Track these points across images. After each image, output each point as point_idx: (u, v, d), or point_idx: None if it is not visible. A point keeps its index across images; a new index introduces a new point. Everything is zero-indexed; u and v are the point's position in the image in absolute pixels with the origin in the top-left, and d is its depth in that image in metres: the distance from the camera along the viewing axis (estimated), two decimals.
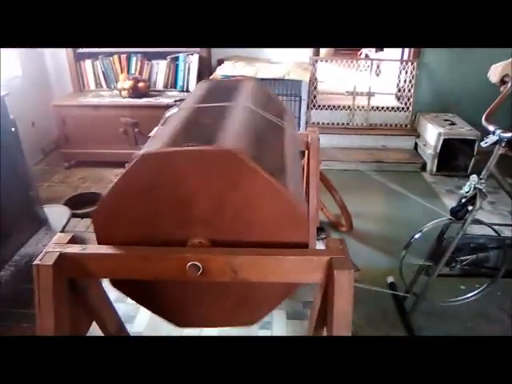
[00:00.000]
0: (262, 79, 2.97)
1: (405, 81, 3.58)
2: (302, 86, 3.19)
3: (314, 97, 3.62)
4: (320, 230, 2.48)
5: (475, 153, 3.16)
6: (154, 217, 1.05)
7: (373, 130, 3.58)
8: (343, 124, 3.63)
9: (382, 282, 2.07)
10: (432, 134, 3.27)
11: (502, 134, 1.49)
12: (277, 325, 1.84)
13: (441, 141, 3.17)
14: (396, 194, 2.92)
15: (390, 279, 2.05)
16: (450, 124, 3.32)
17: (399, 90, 3.67)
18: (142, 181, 1.01)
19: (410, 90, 3.54)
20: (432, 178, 3.23)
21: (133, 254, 1.04)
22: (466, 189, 1.58)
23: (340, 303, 1.05)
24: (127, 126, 2.90)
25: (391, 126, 3.62)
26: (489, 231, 1.74)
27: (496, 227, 1.76)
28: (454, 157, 3.28)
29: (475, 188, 1.57)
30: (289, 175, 1.15)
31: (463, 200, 1.62)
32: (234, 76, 3.04)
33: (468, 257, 1.73)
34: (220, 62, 3.51)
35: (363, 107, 3.59)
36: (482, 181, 1.57)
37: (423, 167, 3.35)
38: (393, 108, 3.62)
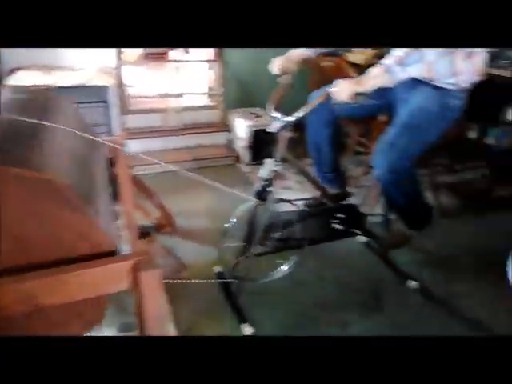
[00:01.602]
0: (62, 88, 2.77)
1: (214, 80, 3.75)
2: (108, 91, 3.07)
3: (126, 102, 3.53)
4: (145, 234, 2.44)
5: None
6: None
7: (188, 130, 3.66)
8: (158, 127, 3.62)
9: (211, 274, 2.14)
10: (242, 127, 3.50)
11: (284, 119, 1.67)
12: None
13: (250, 133, 3.42)
14: (215, 188, 3.06)
15: (217, 269, 2.14)
16: (256, 117, 3.60)
17: (209, 89, 3.83)
18: None
19: (218, 89, 3.72)
20: (247, 168, 3.47)
21: None
22: (263, 172, 1.74)
23: (151, 304, 1.04)
24: None
25: (205, 124, 3.75)
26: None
27: (298, 202, 1.98)
28: (265, 146, 3.58)
29: (272, 171, 1.74)
30: (93, 189, 1.09)
31: (264, 183, 1.77)
32: (30, 86, 2.76)
33: (278, 233, 1.91)
34: (13, 71, 3.13)
35: (174, 109, 3.64)
36: (276, 163, 1.74)
37: (238, 159, 3.58)
38: (205, 107, 3.76)
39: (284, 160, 1.77)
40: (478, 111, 3.13)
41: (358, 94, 1.50)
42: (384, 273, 2.21)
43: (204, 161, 3.49)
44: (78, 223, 1.00)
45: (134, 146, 3.49)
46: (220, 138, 3.76)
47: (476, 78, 1.69)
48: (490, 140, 3.72)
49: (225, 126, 3.79)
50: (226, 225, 1.84)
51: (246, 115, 3.62)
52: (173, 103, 3.63)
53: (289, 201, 1.92)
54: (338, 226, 2.06)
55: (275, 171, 1.72)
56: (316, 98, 1.66)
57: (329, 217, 2.04)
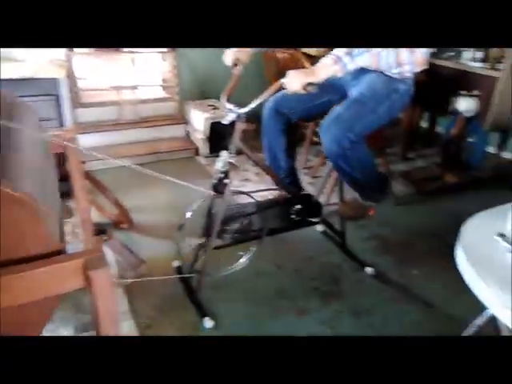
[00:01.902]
0: (7, 80, 2.63)
1: (169, 72, 3.67)
2: (59, 83, 2.95)
3: (77, 94, 3.40)
4: (101, 232, 2.38)
5: None
6: None
7: (144, 123, 3.59)
8: (113, 120, 3.52)
9: (170, 269, 2.12)
10: (199, 119, 3.46)
11: (238, 111, 1.66)
12: None
13: (207, 125, 3.39)
14: (173, 182, 3.03)
15: (176, 263, 2.11)
16: (213, 109, 3.57)
17: (164, 81, 3.75)
18: None
19: (173, 81, 3.65)
20: (206, 161, 3.44)
21: None
22: (219, 164, 1.73)
23: (103, 303, 1.01)
24: None
25: (161, 116, 3.68)
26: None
27: (256, 194, 1.98)
28: (223, 138, 3.55)
29: (228, 163, 1.73)
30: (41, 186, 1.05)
31: (220, 175, 1.76)
32: None
33: (236, 225, 1.91)
34: None
35: (130, 101, 3.54)
36: (232, 155, 1.73)
37: (197, 152, 3.54)
38: (160, 99, 3.69)
39: (239, 152, 1.76)
40: (428, 101, 3.24)
41: (309, 85, 1.50)
42: (342, 260, 2.26)
43: (162, 154, 3.43)
44: (23, 222, 0.96)
45: (89, 141, 3.39)
46: (178, 130, 3.70)
47: (419, 69, 1.75)
48: (441, 129, 3.87)
49: (182, 119, 3.74)
50: (183, 219, 1.82)
51: (202, 107, 3.58)
52: (127, 95, 3.53)
53: (246, 193, 1.92)
54: (295, 216, 2.08)
55: (231, 163, 1.71)
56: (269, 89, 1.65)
57: (287, 207, 2.06)
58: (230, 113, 1.68)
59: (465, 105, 2.87)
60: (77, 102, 3.39)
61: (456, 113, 2.97)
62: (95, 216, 2.56)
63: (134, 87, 3.51)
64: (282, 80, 1.56)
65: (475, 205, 2.99)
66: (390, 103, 1.76)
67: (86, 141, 3.38)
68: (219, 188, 1.75)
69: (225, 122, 1.68)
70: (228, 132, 3.61)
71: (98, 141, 3.40)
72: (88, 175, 2.18)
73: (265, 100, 1.66)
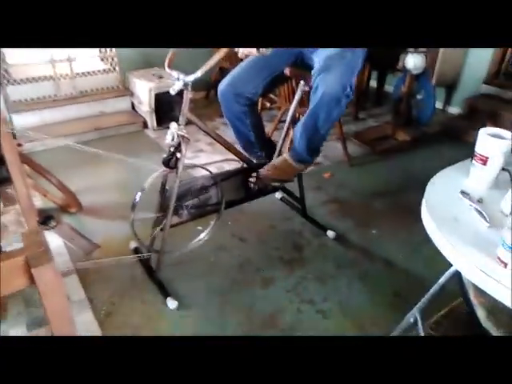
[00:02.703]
0: None
1: None
2: None
3: (6, 70, 3.10)
4: (48, 218, 2.22)
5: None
6: None
7: (85, 98, 3.35)
8: (50, 96, 3.26)
9: (127, 250, 2.02)
10: (144, 90, 3.27)
11: (185, 79, 1.55)
12: None
13: (153, 96, 3.21)
14: (121, 159, 2.87)
15: (133, 244, 2.02)
16: (158, 78, 3.38)
17: (101, 51, 3.50)
18: None
19: (111, 50, 3.41)
20: (155, 134, 3.29)
21: None
22: (169, 138, 1.62)
23: (51, 301, 0.92)
24: None
25: (103, 89, 3.45)
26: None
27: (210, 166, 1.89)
28: (171, 108, 3.39)
29: (178, 136, 1.62)
30: None
31: (172, 149, 1.66)
32: None
33: (192, 201, 1.82)
34: None
35: (67, 75, 3.28)
36: (182, 127, 1.62)
37: (145, 125, 3.37)
38: (99, 71, 3.44)
39: (188, 122, 1.65)
40: (377, 60, 3.23)
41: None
42: (303, 226, 2.25)
43: (107, 129, 3.24)
44: None
45: (25, 120, 3.14)
46: (122, 103, 3.49)
47: None
48: (389, 88, 3.89)
49: (126, 90, 3.52)
50: (135, 197, 1.71)
51: (146, 76, 3.38)
52: (65, 69, 3.26)
53: (200, 166, 1.83)
54: (254, 185, 2.02)
55: (182, 136, 1.61)
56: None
57: (244, 176, 1.99)
58: (176, 81, 1.56)
59: (413, 62, 2.87)
60: (5, 79, 3.10)
61: (405, 70, 2.98)
62: (40, 202, 2.39)
63: (70, 59, 3.24)
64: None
65: (428, 161, 3.11)
66: (355, 56, 1.72)
67: (22, 120, 3.13)
68: (171, 163, 1.65)
69: (172, 91, 1.55)
70: (175, 102, 3.46)
71: (35, 120, 3.16)
72: (25, 158, 2.00)
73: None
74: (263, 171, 1.95)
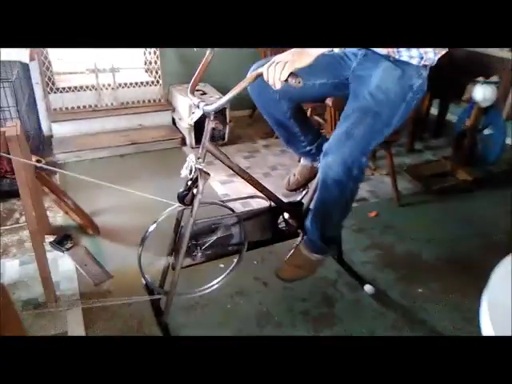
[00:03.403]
0: None
1: (149, 52, 3.33)
2: (25, 67, 2.65)
3: (49, 79, 3.08)
4: (65, 238, 2.10)
5: (228, 120, 3.19)
6: None
7: (125, 109, 3.27)
8: (90, 106, 3.20)
9: (140, 284, 1.83)
10: (184, 106, 3.13)
11: (205, 108, 1.35)
12: None
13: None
14: (157, 176, 2.73)
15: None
16: (201, 94, 3.24)
17: (146, 63, 3.41)
18: None
19: (156, 62, 3.31)
20: (193, 152, 3.13)
21: None
22: (185, 171, 1.42)
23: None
24: None
25: (144, 102, 3.36)
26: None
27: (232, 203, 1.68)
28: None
29: (196, 169, 1.42)
30: None
31: (189, 183, 1.46)
32: None
33: (210, 241, 1.61)
34: None
35: (109, 85, 3.22)
36: (201, 160, 1.42)
37: (183, 142, 3.22)
38: (142, 83, 3.35)
39: (207, 154, 1.44)
40: (440, 87, 2.89)
41: (293, 76, 1.17)
42: (337, 275, 1.97)
43: (145, 144, 3.12)
44: None
45: (63, 129, 3.09)
46: (163, 117, 3.38)
47: (442, 53, 1.41)
48: (452, 117, 3.51)
49: (168, 104, 3.41)
50: (146, 232, 1.52)
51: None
52: (106, 79, 3.20)
53: (220, 203, 1.61)
54: (283, 226, 1.78)
55: (200, 170, 1.40)
56: (246, 78, 1.32)
57: (272, 217, 1.75)
58: (196, 109, 1.36)
59: (482, 93, 2.52)
60: (49, 87, 3.07)
61: (471, 102, 2.63)
62: (60, 218, 2.28)
63: (114, 70, 3.17)
64: (260, 70, 1.23)
65: (492, 206, 2.71)
66: (405, 106, 1.42)
67: (61, 129, 3.08)
68: (187, 199, 1.45)
69: (190, 120, 1.36)
70: (217, 120, 3.29)
71: (73, 129, 3.10)
72: (43, 179, 1.88)
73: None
74: (280, 271, 1.71)
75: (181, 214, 1.55)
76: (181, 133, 3.25)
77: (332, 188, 1.42)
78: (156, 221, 1.52)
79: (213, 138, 3.19)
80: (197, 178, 1.42)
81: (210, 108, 1.34)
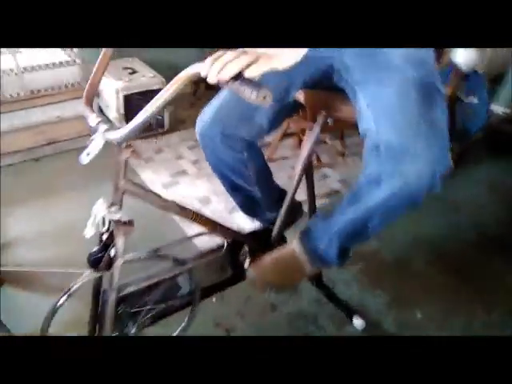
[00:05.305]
0: None
1: None
2: None
3: None
4: None
5: None
6: None
7: (36, 99, 2.63)
8: None
9: None
10: (110, 91, 2.56)
11: (108, 136, 0.87)
12: None
13: (121, 99, 2.50)
14: (86, 182, 2.18)
15: None
16: (130, 73, 2.66)
17: None
18: None
19: None
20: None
21: None
22: (91, 229, 0.94)
23: None
24: None
25: (60, 88, 2.72)
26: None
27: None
28: None
29: (110, 222, 0.94)
30: None
31: (103, 238, 0.99)
32: None
33: (144, 302, 1.16)
34: None
35: (11, 70, 2.56)
36: (116, 208, 0.94)
37: None
38: (55, 63, 2.69)
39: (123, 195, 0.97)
40: None
41: (255, 88, 0.68)
42: (317, 307, 1.58)
43: (66, 142, 2.55)
44: None
45: None
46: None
47: None
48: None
49: None
50: (55, 305, 1.05)
51: (115, 71, 2.65)
52: (5, 63, 2.54)
53: (155, 253, 1.14)
54: (247, 261, 1.35)
55: (116, 222, 0.93)
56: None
57: (231, 251, 1.32)
58: (95, 136, 0.88)
59: (463, 56, 2.14)
60: None
61: (451, 65, 2.25)
62: None
63: (14, 50, 2.52)
64: (196, 69, 0.74)
65: (477, 186, 2.37)
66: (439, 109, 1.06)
67: None
68: (103, 262, 0.98)
69: (84, 155, 0.88)
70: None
71: None
72: None
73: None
74: (252, 271, 1.27)
75: (98, 282, 1.08)
76: (110, 122, 2.69)
77: (400, 204, 1.01)
78: (67, 292, 1.04)
79: (150, 128, 2.65)
80: (112, 233, 0.95)
81: (113, 136, 0.86)
